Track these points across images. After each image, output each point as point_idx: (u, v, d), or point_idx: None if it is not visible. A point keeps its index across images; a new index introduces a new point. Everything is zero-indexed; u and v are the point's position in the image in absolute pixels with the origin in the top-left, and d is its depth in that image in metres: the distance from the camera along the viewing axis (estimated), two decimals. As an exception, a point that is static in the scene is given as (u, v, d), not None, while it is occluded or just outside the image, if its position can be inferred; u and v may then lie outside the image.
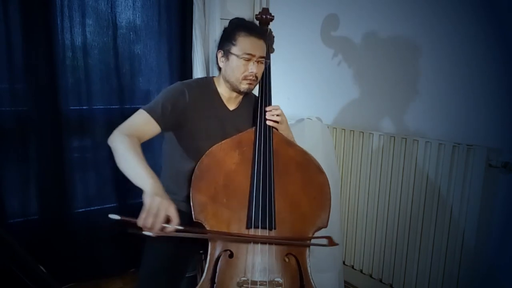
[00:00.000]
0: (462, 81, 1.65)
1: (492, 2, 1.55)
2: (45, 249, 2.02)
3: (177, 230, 1.06)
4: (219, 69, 1.41)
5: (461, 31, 1.63)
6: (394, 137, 1.84)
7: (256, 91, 1.48)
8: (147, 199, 1.06)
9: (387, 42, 1.92)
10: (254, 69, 1.33)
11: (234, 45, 1.32)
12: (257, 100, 1.45)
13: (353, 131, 2.04)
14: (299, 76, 2.44)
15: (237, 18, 1.41)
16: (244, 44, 1.32)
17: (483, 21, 1.57)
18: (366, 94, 2.04)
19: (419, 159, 1.74)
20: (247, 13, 2.47)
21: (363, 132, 1.99)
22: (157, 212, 1.03)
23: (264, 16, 1.55)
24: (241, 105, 1.46)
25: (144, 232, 1.04)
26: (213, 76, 1.47)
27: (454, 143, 1.61)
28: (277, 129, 1.40)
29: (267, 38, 1.51)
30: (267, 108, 1.40)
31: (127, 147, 1.17)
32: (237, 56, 1.32)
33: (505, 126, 1.53)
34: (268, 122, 1.37)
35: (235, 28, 1.35)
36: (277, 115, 1.39)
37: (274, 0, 2.46)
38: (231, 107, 1.44)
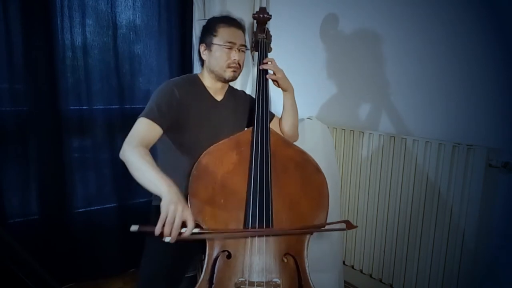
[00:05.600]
0: (462, 81, 1.64)
1: (492, 2, 1.55)
2: (45, 249, 2.02)
3: (193, 233, 1.08)
4: (202, 64, 1.49)
5: (461, 31, 1.63)
6: (394, 137, 1.84)
7: (254, 90, 1.48)
8: (162, 207, 1.06)
9: (387, 42, 1.92)
10: (236, 56, 1.41)
11: (215, 36, 1.41)
12: (251, 100, 1.45)
13: (353, 131, 2.04)
14: (299, 76, 2.42)
15: (215, 16, 1.51)
16: (225, 34, 1.41)
17: (483, 21, 1.56)
18: (366, 94, 2.04)
19: (419, 159, 1.74)
20: (247, 13, 2.45)
21: (363, 132, 1.99)
22: (173, 220, 1.04)
23: (262, 15, 1.56)
24: (227, 96, 1.53)
25: (164, 239, 1.04)
26: (197, 73, 1.53)
27: (454, 143, 1.61)
28: (278, 82, 1.45)
29: (245, 29, 1.56)
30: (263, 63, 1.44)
31: (138, 158, 1.17)
32: (220, 45, 1.40)
33: (505, 126, 1.52)
34: (268, 76, 1.42)
35: (215, 22, 1.45)
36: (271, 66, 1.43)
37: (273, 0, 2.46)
38: (218, 98, 1.50)
